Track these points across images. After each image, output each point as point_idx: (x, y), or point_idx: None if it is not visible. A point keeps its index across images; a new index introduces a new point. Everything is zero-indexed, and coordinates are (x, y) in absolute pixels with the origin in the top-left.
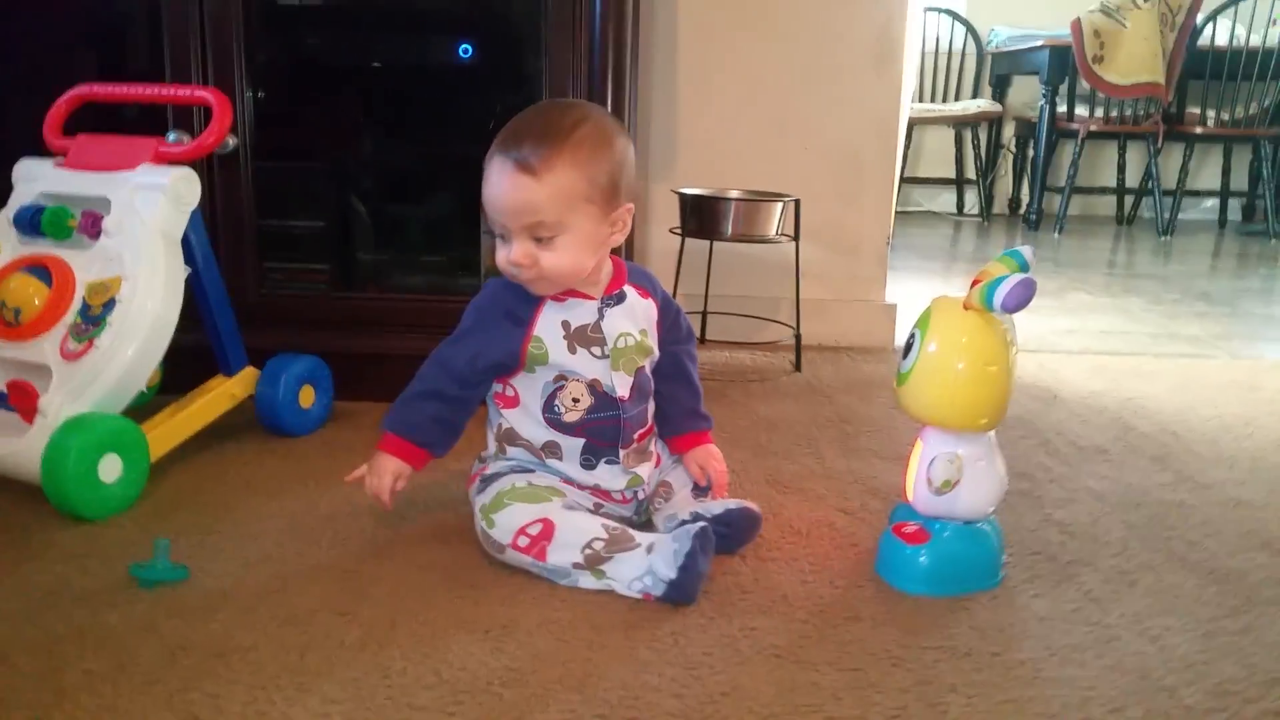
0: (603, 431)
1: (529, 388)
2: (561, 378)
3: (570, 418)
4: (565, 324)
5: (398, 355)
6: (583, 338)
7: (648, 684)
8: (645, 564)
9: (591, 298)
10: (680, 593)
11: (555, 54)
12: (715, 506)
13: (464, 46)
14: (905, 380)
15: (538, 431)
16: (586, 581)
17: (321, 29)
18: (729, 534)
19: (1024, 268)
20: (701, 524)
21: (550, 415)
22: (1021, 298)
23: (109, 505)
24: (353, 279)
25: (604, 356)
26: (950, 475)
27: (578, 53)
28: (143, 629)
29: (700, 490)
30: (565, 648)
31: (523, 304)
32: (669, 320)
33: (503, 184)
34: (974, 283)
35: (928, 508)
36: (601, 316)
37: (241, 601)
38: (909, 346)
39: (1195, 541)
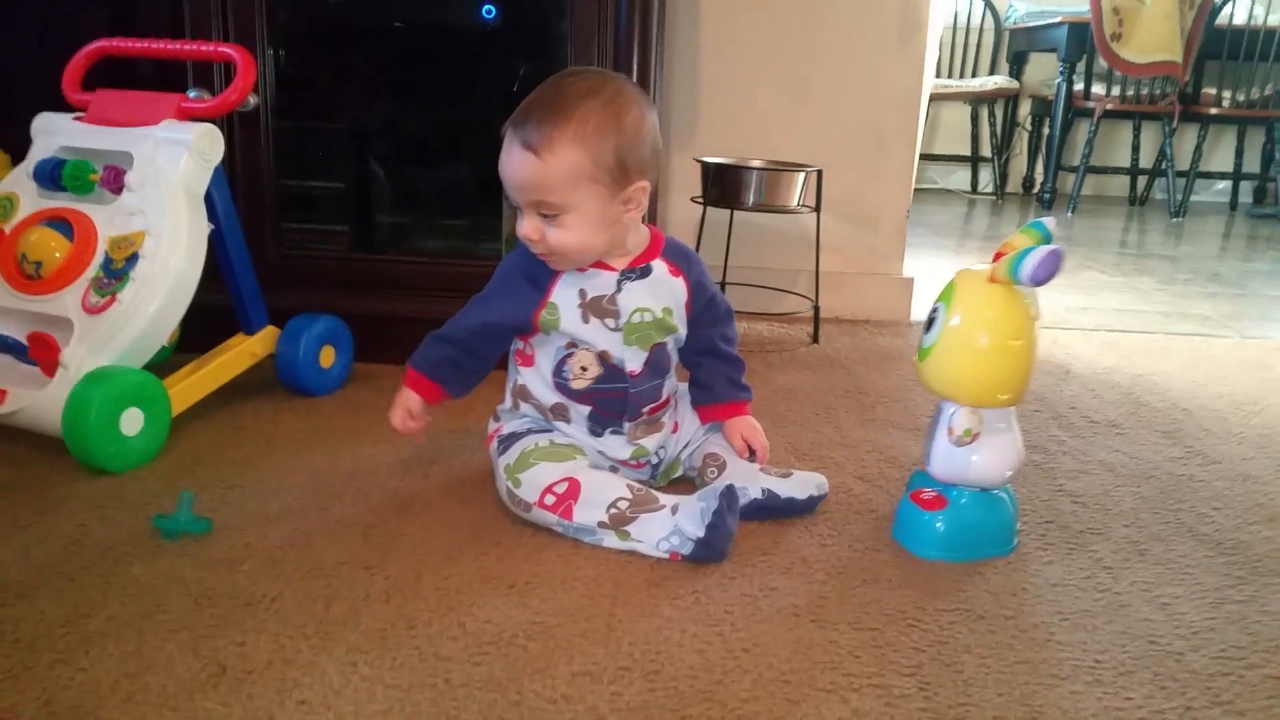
0: (609, 403)
1: (543, 350)
2: (572, 345)
3: (577, 385)
4: (582, 292)
5: (416, 318)
6: (597, 308)
7: (670, 639)
8: (671, 524)
9: (613, 269)
10: (709, 551)
11: (580, 17)
12: (784, 489)
13: (487, 8)
14: (927, 355)
15: (547, 394)
16: (610, 541)
17: None
18: (796, 511)
19: (1047, 239)
20: (729, 484)
21: (559, 380)
22: (1050, 269)
23: (130, 458)
24: (372, 241)
25: (617, 329)
26: (972, 424)
27: (604, 16)
28: (167, 578)
29: (754, 463)
30: (589, 603)
31: (543, 268)
32: (701, 302)
33: (510, 160)
34: (997, 255)
35: (946, 467)
36: (619, 289)
37: (265, 554)
38: (931, 321)
39: (1204, 514)
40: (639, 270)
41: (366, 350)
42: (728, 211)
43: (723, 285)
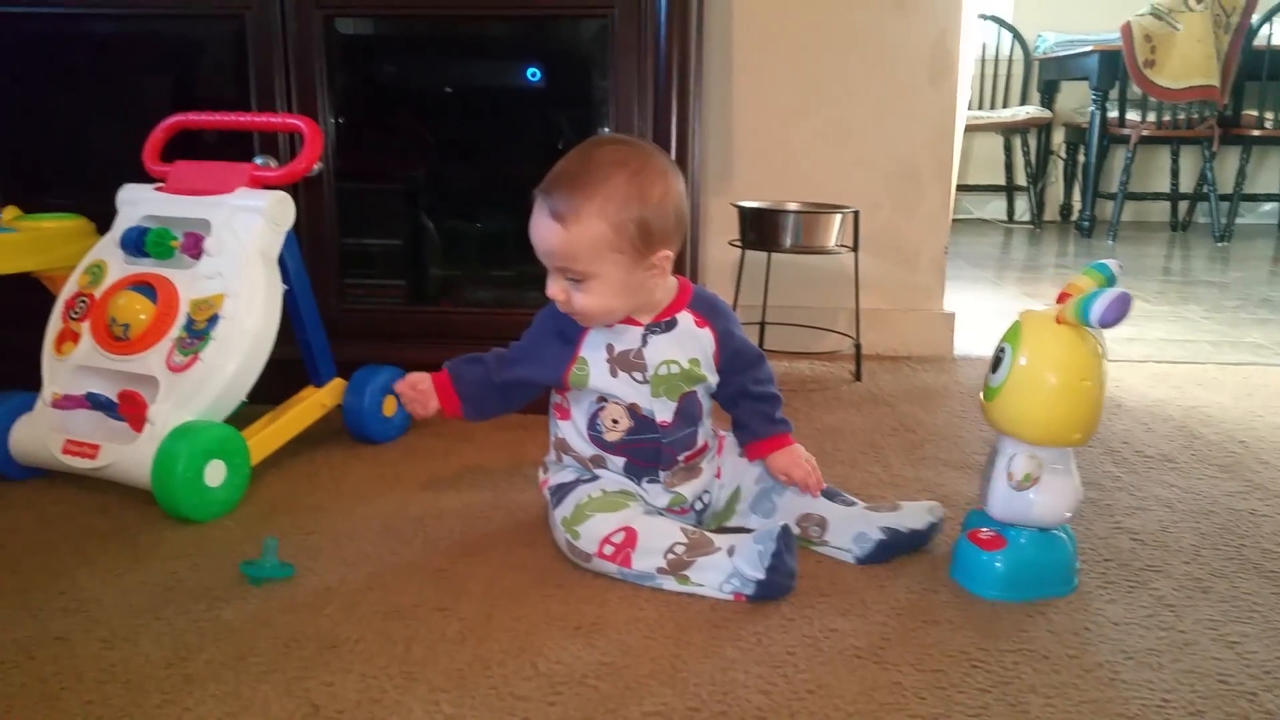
0: (643, 453)
1: (577, 403)
2: (602, 399)
3: (610, 437)
4: (609, 347)
5: None
6: (625, 362)
7: (735, 680)
8: (729, 566)
9: (639, 323)
10: (771, 590)
11: (620, 76)
12: (904, 523)
13: (532, 70)
14: (995, 395)
15: (584, 446)
16: (669, 585)
17: (396, 57)
18: (921, 543)
19: (1111, 280)
20: (784, 523)
21: (593, 433)
22: (1120, 311)
23: (214, 508)
24: (426, 293)
25: (644, 382)
26: (1031, 469)
27: (642, 75)
28: (257, 622)
29: (849, 502)
30: (654, 644)
31: (573, 324)
32: (729, 352)
33: (538, 227)
34: (1060, 297)
35: (1005, 509)
36: (645, 343)
37: (345, 597)
38: (997, 361)
39: (1269, 550)
40: (664, 324)
41: None
42: (764, 254)
43: (762, 325)
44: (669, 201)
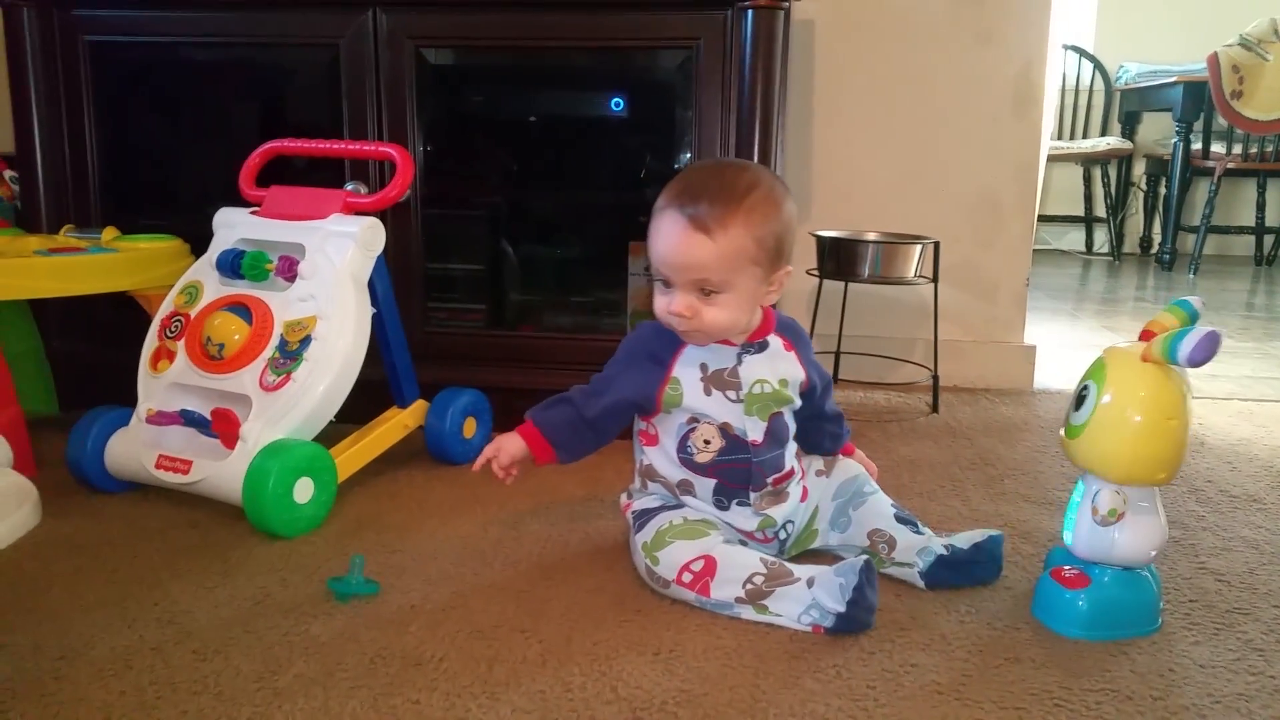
0: (734, 474)
1: (666, 427)
2: (694, 419)
3: (702, 458)
4: (703, 366)
5: (548, 390)
6: (719, 381)
7: (815, 712)
8: (808, 597)
9: (733, 344)
10: (851, 624)
11: (704, 106)
12: (966, 539)
13: (616, 100)
14: (1078, 433)
15: (673, 470)
16: (747, 614)
17: (483, 87)
18: (984, 563)
19: (1194, 317)
20: (865, 557)
21: (684, 455)
22: (1208, 351)
23: (301, 524)
24: (506, 318)
25: (738, 401)
26: (1116, 505)
27: (726, 105)
28: (344, 637)
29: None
30: (732, 673)
31: (665, 347)
32: (813, 378)
33: (675, 239)
34: (1143, 334)
35: (1089, 545)
36: (740, 362)
37: (429, 616)
38: (1081, 398)
39: None
40: (757, 345)
41: (501, 420)
42: (841, 283)
43: (838, 355)
44: (794, 221)
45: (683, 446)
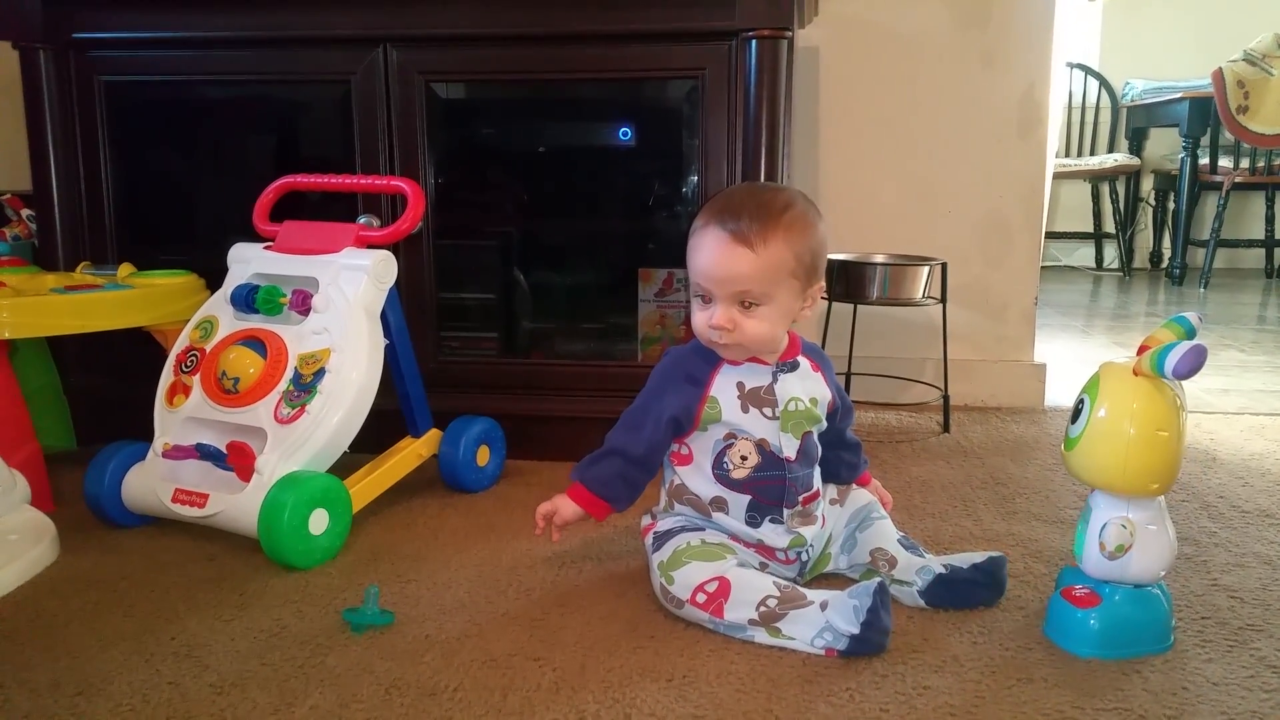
0: (768, 490)
1: (701, 446)
2: (731, 436)
3: (738, 475)
4: (740, 385)
5: (562, 417)
6: (756, 399)
7: None
8: (822, 620)
9: (767, 363)
10: (865, 646)
11: (710, 134)
12: (966, 559)
13: (623, 130)
14: (1074, 445)
15: (707, 487)
16: (761, 638)
17: (492, 119)
18: (984, 585)
19: (1191, 333)
20: (879, 580)
21: (719, 472)
22: (1193, 364)
23: (317, 556)
24: (519, 346)
25: (774, 418)
26: (1123, 540)
27: (732, 133)
28: (359, 669)
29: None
30: (745, 698)
31: (701, 367)
32: (838, 400)
33: (718, 253)
34: (1140, 349)
35: (1099, 572)
36: (775, 380)
37: (443, 646)
38: (1077, 411)
39: None
40: (789, 364)
41: (515, 447)
42: (851, 305)
43: (848, 376)
44: (826, 239)
45: (718, 463)
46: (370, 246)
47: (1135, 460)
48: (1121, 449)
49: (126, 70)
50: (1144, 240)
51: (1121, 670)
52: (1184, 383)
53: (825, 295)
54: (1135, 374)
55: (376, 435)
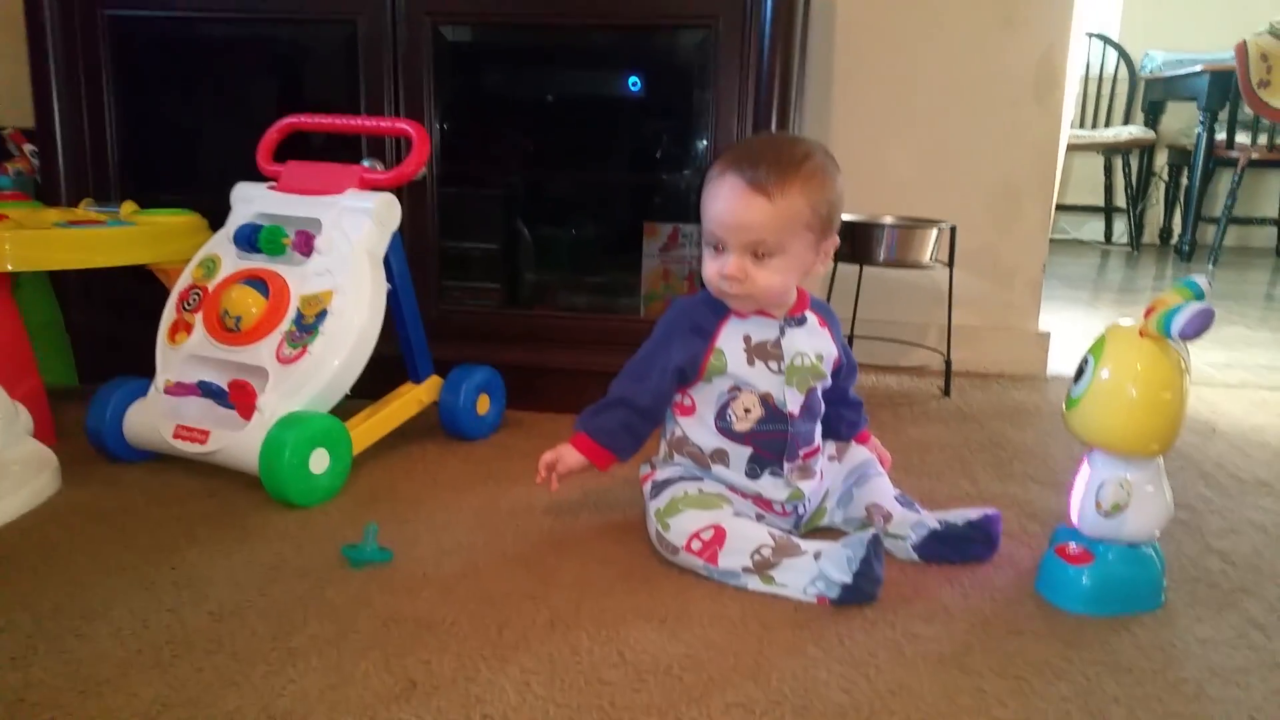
0: (770, 444)
1: (705, 397)
2: (736, 389)
3: (740, 427)
4: (747, 338)
5: (563, 369)
6: (762, 352)
7: (817, 678)
8: (815, 569)
9: (774, 317)
10: (856, 595)
11: (721, 87)
12: (961, 516)
13: (633, 80)
14: (1076, 404)
15: (709, 439)
16: (754, 585)
17: (499, 65)
18: (979, 541)
19: (1199, 296)
20: (874, 531)
21: (722, 424)
22: (1200, 326)
23: (317, 494)
24: (521, 297)
25: (779, 372)
26: (1120, 499)
27: (744, 86)
28: (357, 602)
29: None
30: (737, 640)
31: (708, 318)
32: (844, 358)
33: (734, 201)
34: (1148, 310)
35: (1094, 530)
36: (782, 334)
37: (441, 583)
38: (1080, 371)
39: None
40: (797, 319)
41: (516, 398)
42: (856, 266)
43: (851, 338)
44: (843, 193)
45: (722, 415)
46: (374, 189)
47: (1137, 421)
48: (1124, 409)
49: (131, 4)
50: (1154, 216)
51: (1111, 626)
52: (1190, 351)
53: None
54: (1141, 335)
55: (378, 381)
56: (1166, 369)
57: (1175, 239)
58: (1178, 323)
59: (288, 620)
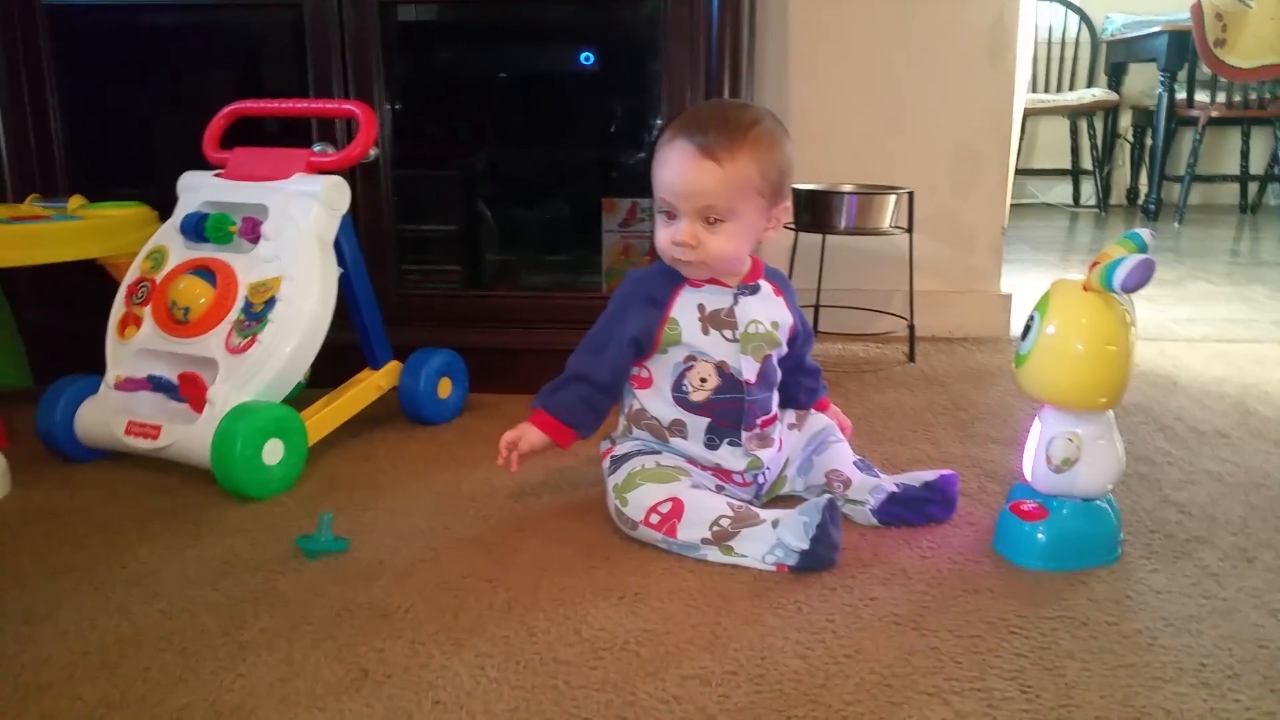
0: (727, 413)
1: (661, 368)
2: (691, 358)
3: (697, 397)
4: (700, 307)
5: (526, 349)
6: (716, 320)
7: (774, 646)
8: (773, 537)
9: (728, 285)
10: (814, 561)
11: (672, 59)
12: (918, 478)
13: (585, 54)
14: (1024, 361)
15: (666, 410)
16: (714, 556)
17: (451, 44)
18: (937, 501)
19: (1143, 249)
20: (829, 496)
21: (679, 394)
22: (1141, 277)
23: (272, 485)
24: (482, 278)
25: (734, 340)
26: (1070, 454)
27: (695, 57)
28: (311, 593)
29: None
30: (695, 612)
31: (663, 288)
32: (799, 324)
33: (684, 166)
34: (1093, 265)
35: (1047, 486)
36: (736, 302)
37: (398, 569)
38: (1028, 328)
39: None
40: (750, 287)
41: (479, 381)
42: (819, 236)
43: (816, 308)
44: (792, 158)
45: (678, 385)
46: (322, 172)
47: (1082, 375)
48: (1069, 364)
49: None
50: (1121, 177)
51: (1067, 581)
52: (1144, 309)
53: (792, 225)
54: (1085, 290)
55: (338, 369)
56: (1111, 322)
57: (1142, 199)
58: (1119, 275)
59: (239, 615)
